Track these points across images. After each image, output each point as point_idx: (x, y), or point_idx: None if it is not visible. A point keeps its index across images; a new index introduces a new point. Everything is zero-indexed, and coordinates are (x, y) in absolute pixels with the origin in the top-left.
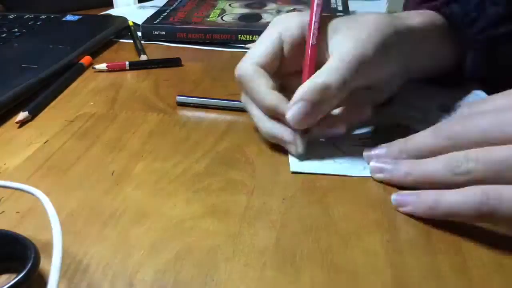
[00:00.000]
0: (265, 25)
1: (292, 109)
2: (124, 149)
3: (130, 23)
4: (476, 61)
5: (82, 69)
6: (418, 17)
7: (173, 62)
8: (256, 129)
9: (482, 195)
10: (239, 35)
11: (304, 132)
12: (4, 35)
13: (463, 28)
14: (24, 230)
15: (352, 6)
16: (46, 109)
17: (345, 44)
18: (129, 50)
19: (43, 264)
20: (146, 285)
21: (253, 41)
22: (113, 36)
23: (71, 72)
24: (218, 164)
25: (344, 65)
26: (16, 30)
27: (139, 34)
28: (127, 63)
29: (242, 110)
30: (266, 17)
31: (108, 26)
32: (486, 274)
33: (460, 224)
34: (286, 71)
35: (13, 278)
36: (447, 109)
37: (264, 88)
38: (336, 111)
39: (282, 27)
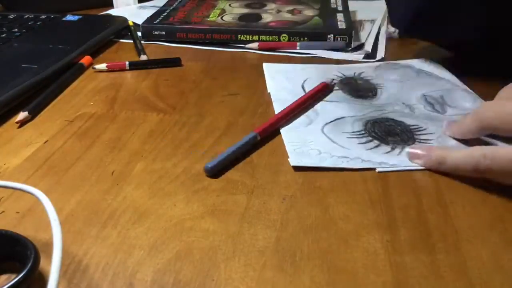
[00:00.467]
0: (265, 25)
1: None
2: (124, 149)
3: (130, 23)
4: None
5: (82, 69)
6: None
7: (173, 62)
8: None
9: (479, 156)
10: (239, 35)
11: None
12: (4, 35)
13: None
14: (24, 230)
15: (352, 6)
16: (46, 109)
17: None
18: (129, 50)
19: (43, 264)
20: (146, 285)
21: (253, 41)
22: (113, 36)
23: (71, 72)
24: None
25: None
26: (16, 30)
27: (139, 34)
28: (127, 63)
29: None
30: (266, 17)
31: (108, 26)
32: (486, 274)
33: (460, 224)
34: None
35: (13, 278)
36: (430, 100)
37: None
38: None
39: None
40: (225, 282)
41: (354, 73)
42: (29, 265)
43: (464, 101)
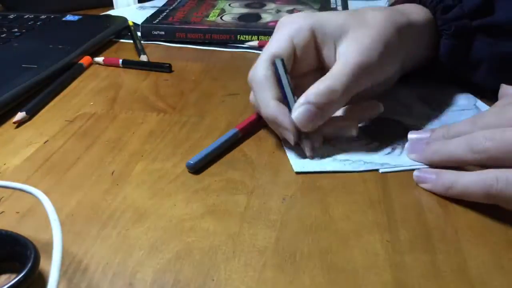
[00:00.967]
0: (265, 25)
1: (298, 110)
2: (124, 149)
3: (130, 23)
4: (449, 47)
5: (81, 70)
6: (415, 11)
7: (164, 68)
8: (256, 129)
9: (492, 179)
10: (238, 35)
11: (307, 135)
12: (4, 35)
13: (438, 15)
14: (24, 230)
15: (352, 6)
16: (46, 109)
17: (350, 50)
18: (129, 50)
19: (43, 264)
20: (146, 285)
21: (252, 41)
22: (113, 36)
23: (70, 72)
24: (218, 164)
25: (349, 71)
26: (16, 30)
27: (139, 34)
28: (121, 60)
29: None
30: (265, 17)
31: (108, 26)
32: (486, 274)
33: (460, 224)
34: (298, 72)
35: (13, 278)
36: (428, 101)
37: (268, 98)
38: (340, 112)
39: (292, 30)
40: (225, 282)
41: None
42: (29, 265)
43: (458, 98)
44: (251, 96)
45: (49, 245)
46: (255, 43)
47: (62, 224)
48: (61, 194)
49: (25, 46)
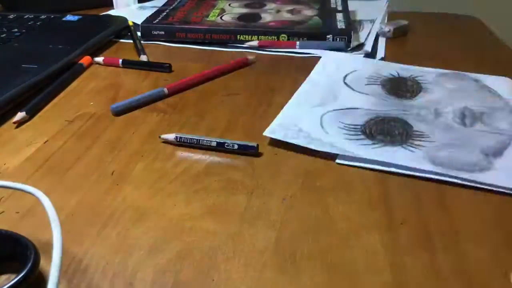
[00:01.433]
0: (265, 25)
1: None
2: (124, 149)
3: (130, 23)
4: None
5: (81, 70)
6: None
7: (164, 68)
8: (256, 130)
9: None
10: (238, 35)
11: None
12: (4, 35)
13: None
14: (24, 230)
15: (352, 6)
16: (46, 109)
17: None
18: (129, 50)
19: (43, 264)
20: (146, 285)
21: (252, 41)
22: (113, 36)
23: (70, 72)
24: (218, 164)
25: None
26: (16, 30)
27: (139, 34)
28: (121, 60)
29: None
30: (265, 17)
31: (108, 26)
32: (486, 274)
33: (460, 224)
34: None
35: (13, 278)
36: (466, 112)
37: None
38: None
39: None
40: (225, 282)
41: (411, 75)
42: (29, 265)
43: (501, 121)
44: None
45: (49, 245)
46: (255, 43)
47: (62, 224)
48: (61, 194)
49: (25, 46)
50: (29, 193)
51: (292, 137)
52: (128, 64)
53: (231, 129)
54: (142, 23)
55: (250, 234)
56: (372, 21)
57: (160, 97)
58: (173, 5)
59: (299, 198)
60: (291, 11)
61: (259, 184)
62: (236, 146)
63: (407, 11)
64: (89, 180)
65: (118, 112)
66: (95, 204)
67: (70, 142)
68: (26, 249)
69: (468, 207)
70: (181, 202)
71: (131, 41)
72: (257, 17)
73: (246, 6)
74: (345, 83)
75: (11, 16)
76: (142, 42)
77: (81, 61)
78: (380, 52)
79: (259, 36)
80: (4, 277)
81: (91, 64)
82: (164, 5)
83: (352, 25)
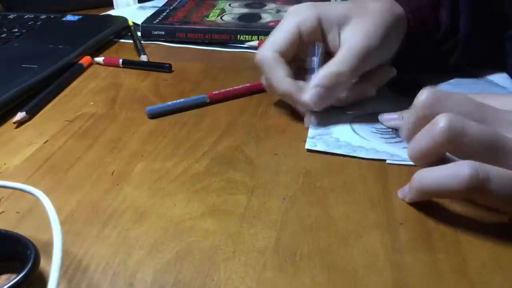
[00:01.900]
0: (265, 25)
1: (309, 93)
2: (124, 149)
3: (130, 23)
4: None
5: (81, 69)
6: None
7: (164, 68)
8: (256, 130)
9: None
10: (238, 35)
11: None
12: (4, 35)
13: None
14: (24, 230)
15: None
16: (46, 109)
17: (354, 37)
18: (129, 50)
19: (43, 264)
20: (146, 285)
21: (252, 41)
22: (113, 36)
23: (70, 72)
24: (218, 164)
25: (355, 56)
26: (16, 30)
27: (139, 34)
28: (121, 60)
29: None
30: (265, 17)
31: (108, 26)
32: (486, 274)
33: (460, 224)
34: (303, 56)
35: (13, 278)
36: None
37: (281, 75)
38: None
39: (299, 18)
40: (225, 282)
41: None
42: (29, 265)
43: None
44: (262, 79)
45: (49, 245)
46: (255, 43)
47: (62, 224)
48: (61, 194)
49: (25, 46)
50: (29, 193)
51: (334, 147)
52: (128, 64)
53: (231, 129)
54: (142, 23)
55: (250, 234)
56: None
57: (201, 104)
58: (173, 5)
59: (299, 198)
60: None
61: (259, 184)
62: None
63: None
64: (89, 180)
65: (154, 115)
66: (95, 204)
67: (70, 142)
68: (26, 249)
69: (468, 206)
70: (181, 202)
71: (131, 41)
72: (257, 17)
73: (246, 6)
74: None
75: (11, 16)
76: (142, 42)
77: (81, 61)
78: None
79: (259, 36)
80: (4, 277)
81: (91, 64)
82: (164, 5)
83: None
